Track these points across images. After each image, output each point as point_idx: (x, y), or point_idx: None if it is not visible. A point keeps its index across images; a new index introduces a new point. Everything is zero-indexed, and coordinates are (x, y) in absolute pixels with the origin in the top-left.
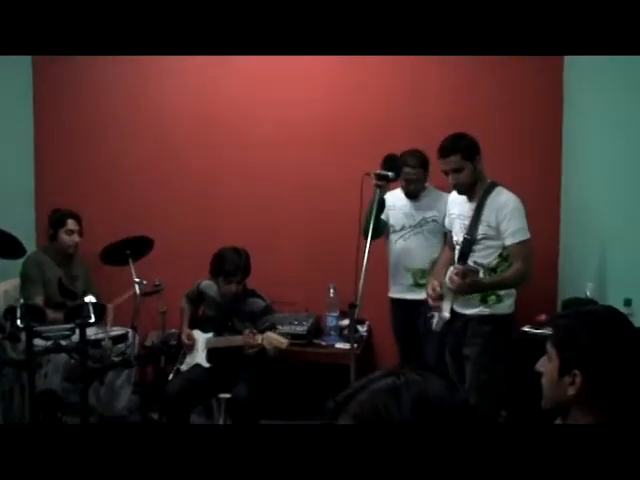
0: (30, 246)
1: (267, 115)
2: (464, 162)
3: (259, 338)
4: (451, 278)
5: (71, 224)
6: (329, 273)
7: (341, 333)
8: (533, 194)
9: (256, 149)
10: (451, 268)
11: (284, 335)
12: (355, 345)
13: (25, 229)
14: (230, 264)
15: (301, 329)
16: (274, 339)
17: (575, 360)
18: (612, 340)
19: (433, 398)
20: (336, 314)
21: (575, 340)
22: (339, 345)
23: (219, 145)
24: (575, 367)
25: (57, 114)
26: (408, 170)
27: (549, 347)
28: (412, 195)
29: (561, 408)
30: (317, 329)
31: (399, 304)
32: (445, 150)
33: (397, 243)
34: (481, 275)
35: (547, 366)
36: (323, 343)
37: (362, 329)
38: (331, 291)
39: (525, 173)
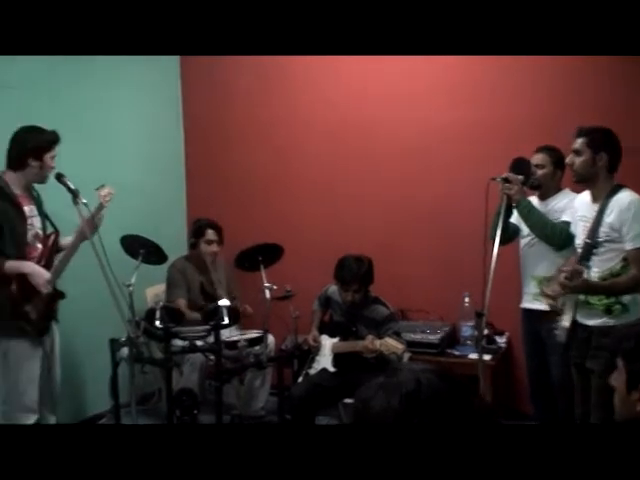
0: (183, 252)
1: (393, 123)
2: (586, 149)
3: (377, 343)
4: (561, 281)
5: (210, 234)
6: (465, 281)
7: (477, 343)
8: None
9: (385, 157)
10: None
11: (402, 341)
12: (490, 356)
13: (177, 237)
14: (348, 273)
15: (433, 338)
16: (390, 344)
17: None
18: None
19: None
20: (471, 324)
21: None
22: (473, 356)
23: (348, 155)
24: None
25: (203, 120)
26: (533, 168)
27: (619, 359)
28: (540, 196)
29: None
30: (451, 338)
31: (526, 314)
32: (576, 130)
33: (523, 250)
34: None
35: (617, 379)
36: (456, 353)
37: (500, 340)
38: (466, 300)
39: None
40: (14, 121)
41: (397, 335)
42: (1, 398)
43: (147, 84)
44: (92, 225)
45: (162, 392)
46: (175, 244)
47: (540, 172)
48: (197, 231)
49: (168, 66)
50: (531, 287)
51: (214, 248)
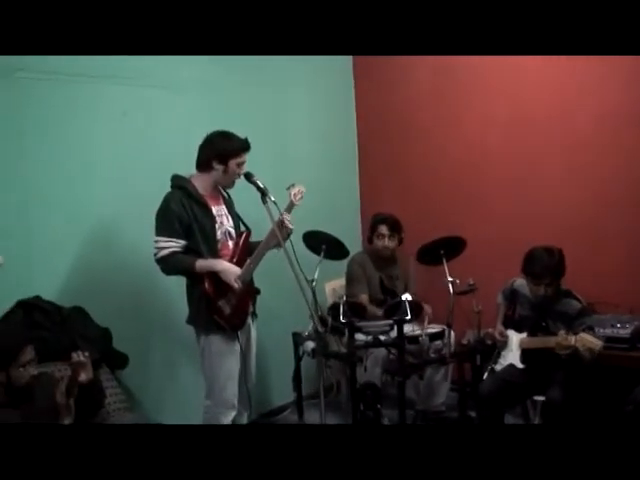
0: (356, 248)
1: (571, 112)
2: None
3: (572, 339)
4: None
5: (382, 229)
6: None
7: None
8: None
9: (571, 147)
10: None
11: (599, 337)
12: None
13: (352, 231)
14: (538, 266)
15: (624, 332)
16: (587, 340)
17: None
18: None
19: None
20: None
21: None
22: None
23: (531, 145)
24: None
25: (376, 116)
26: None
27: None
28: None
29: None
30: None
31: None
32: None
33: None
34: None
35: None
36: None
37: None
38: None
39: None
40: (194, 124)
41: (591, 330)
42: (204, 393)
43: (320, 81)
44: (282, 224)
45: (341, 385)
46: (349, 239)
47: None
48: (372, 226)
49: (341, 65)
50: None
51: (386, 243)
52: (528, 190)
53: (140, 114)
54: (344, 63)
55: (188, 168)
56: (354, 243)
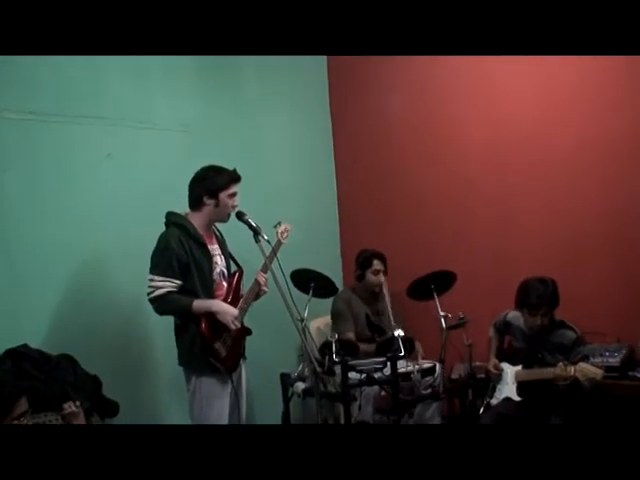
0: (337, 285)
1: (564, 133)
2: None
3: (571, 370)
4: None
5: (377, 264)
6: None
7: None
8: None
9: (553, 170)
10: None
11: (599, 366)
12: None
13: (332, 268)
14: (534, 296)
15: (614, 361)
16: (588, 370)
17: None
18: None
19: None
20: None
21: None
22: None
23: (513, 169)
24: None
25: (355, 151)
26: None
27: None
28: None
29: None
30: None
31: None
32: None
33: None
34: None
35: None
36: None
37: None
38: None
39: None
40: (178, 164)
41: (587, 359)
42: None
43: (300, 113)
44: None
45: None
46: (331, 276)
47: None
48: (364, 262)
49: (319, 96)
50: None
51: (381, 278)
52: (512, 220)
53: (124, 155)
54: (322, 94)
55: (173, 208)
56: (336, 278)
